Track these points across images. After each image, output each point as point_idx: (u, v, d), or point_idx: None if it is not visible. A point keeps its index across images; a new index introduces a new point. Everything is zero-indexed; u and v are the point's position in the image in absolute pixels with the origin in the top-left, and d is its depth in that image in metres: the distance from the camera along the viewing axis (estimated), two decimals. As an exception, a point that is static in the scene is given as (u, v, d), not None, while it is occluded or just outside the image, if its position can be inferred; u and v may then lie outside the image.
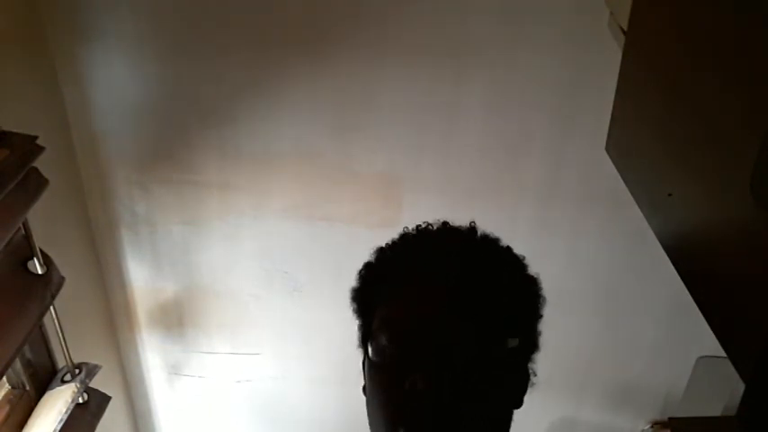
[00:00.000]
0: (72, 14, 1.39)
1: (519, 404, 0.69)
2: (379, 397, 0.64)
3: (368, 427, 0.69)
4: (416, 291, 0.65)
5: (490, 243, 0.71)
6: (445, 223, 0.72)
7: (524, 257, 0.72)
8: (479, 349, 0.61)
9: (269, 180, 1.56)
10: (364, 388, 0.70)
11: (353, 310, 0.73)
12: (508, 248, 0.72)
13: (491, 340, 0.62)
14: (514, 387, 0.69)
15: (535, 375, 0.71)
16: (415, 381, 0.58)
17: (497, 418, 0.67)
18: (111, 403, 1.49)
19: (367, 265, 0.73)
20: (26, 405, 1.36)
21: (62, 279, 1.29)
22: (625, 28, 0.76)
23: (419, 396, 0.59)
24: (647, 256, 1.47)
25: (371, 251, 0.73)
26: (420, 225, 0.72)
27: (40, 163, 1.15)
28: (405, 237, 0.72)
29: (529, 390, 0.71)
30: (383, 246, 0.73)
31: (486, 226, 0.73)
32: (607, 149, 0.80)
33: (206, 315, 1.77)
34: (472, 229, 0.71)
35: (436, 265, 0.65)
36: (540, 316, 0.72)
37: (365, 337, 0.68)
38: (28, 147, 1.13)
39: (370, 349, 0.65)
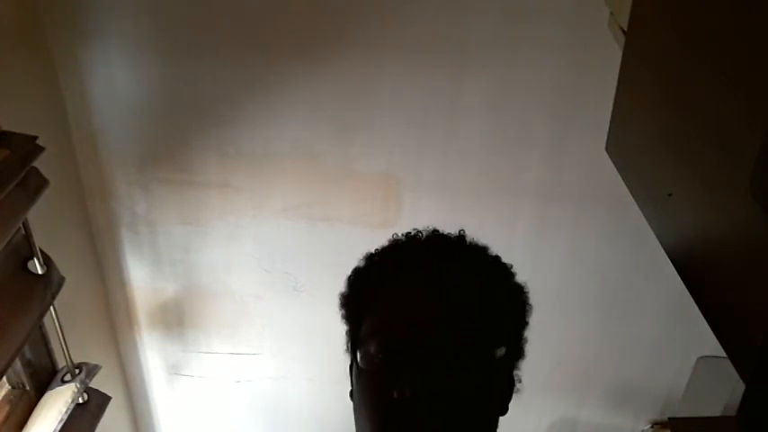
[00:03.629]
0: (72, 14, 1.39)
1: (504, 411, 0.69)
2: (367, 404, 0.63)
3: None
4: (406, 299, 0.65)
5: (479, 251, 0.71)
6: (435, 230, 0.72)
7: (512, 266, 0.72)
8: (467, 358, 0.61)
9: (269, 180, 1.56)
10: (351, 393, 0.70)
11: (342, 315, 0.73)
12: (497, 257, 0.72)
13: (479, 349, 0.62)
14: (501, 395, 0.69)
15: (520, 382, 0.71)
16: (402, 389, 0.58)
17: (484, 425, 0.66)
18: (111, 403, 1.49)
19: (356, 271, 0.73)
20: (26, 405, 1.36)
21: (62, 279, 1.29)
22: (625, 28, 0.76)
23: (407, 404, 0.58)
24: (648, 256, 1.48)
25: (361, 257, 0.73)
26: (410, 232, 0.72)
27: (40, 163, 1.15)
28: (394, 244, 0.72)
29: (516, 395, 0.71)
30: (372, 252, 0.73)
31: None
32: (607, 149, 0.80)
33: (206, 315, 1.77)
34: (461, 237, 0.71)
35: (425, 273, 0.66)
36: (527, 324, 0.72)
37: (353, 343, 0.68)
38: (28, 147, 1.13)
39: (358, 355, 0.65)
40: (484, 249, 0.72)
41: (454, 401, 0.60)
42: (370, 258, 0.72)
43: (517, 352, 0.71)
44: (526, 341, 0.71)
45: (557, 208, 1.52)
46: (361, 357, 0.64)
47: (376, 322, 0.65)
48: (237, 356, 1.82)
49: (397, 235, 0.72)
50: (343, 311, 0.73)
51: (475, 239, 0.72)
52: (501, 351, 0.65)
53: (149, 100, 1.49)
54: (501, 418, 0.70)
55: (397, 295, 0.66)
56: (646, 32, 0.70)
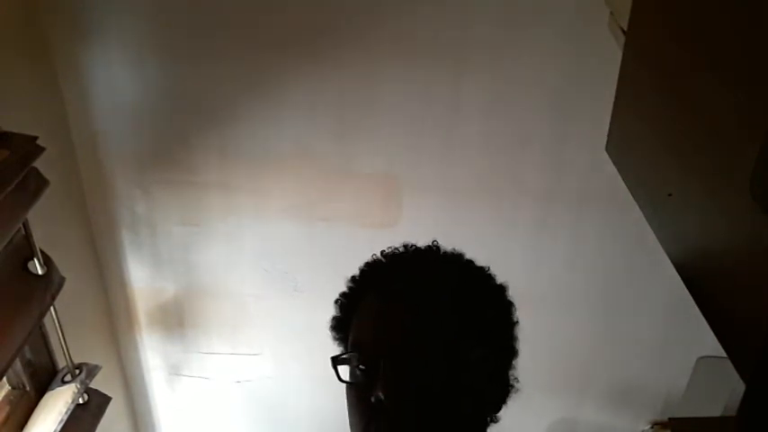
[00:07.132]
0: (72, 15, 1.39)
1: (496, 411, 0.70)
2: (353, 412, 0.69)
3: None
4: (378, 316, 0.69)
5: (452, 258, 0.74)
6: (408, 245, 0.76)
7: (489, 267, 0.74)
8: (437, 362, 0.64)
9: (269, 180, 1.56)
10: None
11: (332, 338, 0.79)
12: (469, 262, 0.74)
13: (450, 352, 0.65)
14: (490, 396, 0.69)
15: (518, 381, 0.71)
16: (378, 396, 0.63)
17: (467, 426, 0.68)
18: (111, 403, 1.49)
19: (342, 294, 0.78)
20: (26, 405, 1.36)
21: (62, 279, 1.29)
22: (625, 28, 0.76)
23: (383, 406, 0.63)
24: (647, 257, 1.47)
25: (346, 280, 0.77)
26: (384, 250, 0.76)
27: (40, 163, 1.15)
28: (372, 263, 0.76)
29: (516, 395, 0.71)
30: (354, 275, 0.77)
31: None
32: (607, 149, 0.80)
33: (206, 315, 1.77)
34: (435, 248, 0.75)
35: (396, 286, 0.69)
36: (514, 323, 0.73)
37: (339, 362, 0.72)
38: (28, 147, 1.13)
39: (341, 371, 0.70)
40: (457, 256, 0.75)
41: (433, 404, 0.64)
42: (351, 280, 0.77)
43: (508, 351, 0.71)
44: (516, 339, 0.72)
45: (557, 208, 1.52)
46: (347, 372, 0.70)
47: (353, 340, 0.71)
48: (237, 356, 1.82)
49: (376, 255, 0.77)
50: (333, 333, 0.79)
51: (448, 248, 0.75)
52: (479, 351, 0.67)
53: (149, 100, 1.49)
54: (501, 419, 0.70)
55: (372, 312, 0.70)
56: (646, 32, 0.70)
